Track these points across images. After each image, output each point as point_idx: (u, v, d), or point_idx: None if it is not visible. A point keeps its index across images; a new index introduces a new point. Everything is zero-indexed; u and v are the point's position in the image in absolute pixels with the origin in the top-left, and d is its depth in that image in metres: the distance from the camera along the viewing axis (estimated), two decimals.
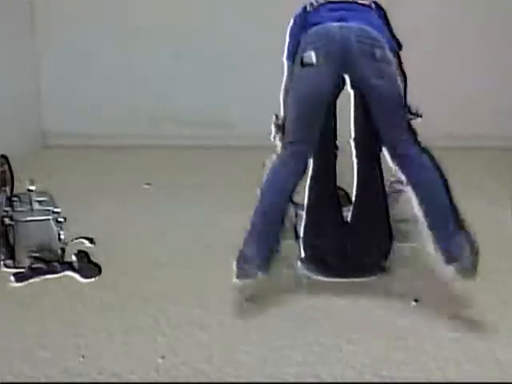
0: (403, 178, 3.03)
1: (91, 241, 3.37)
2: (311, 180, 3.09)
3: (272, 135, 3.16)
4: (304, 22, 3.14)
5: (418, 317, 2.76)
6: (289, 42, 3.18)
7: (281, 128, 3.11)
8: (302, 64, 3.04)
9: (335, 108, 3.11)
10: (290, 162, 3.05)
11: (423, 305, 2.83)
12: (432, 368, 2.40)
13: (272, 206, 3.03)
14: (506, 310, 2.79)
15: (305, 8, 3.18)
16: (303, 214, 3.09)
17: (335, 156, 3.14)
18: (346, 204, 3.22)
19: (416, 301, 2.85)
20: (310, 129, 3.06)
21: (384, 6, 3.23)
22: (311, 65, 3.02)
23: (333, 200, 3.10)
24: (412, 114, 3.07)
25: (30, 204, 3.20)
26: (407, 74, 3.29)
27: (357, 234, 3.08)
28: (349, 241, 3.08)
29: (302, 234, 3.09)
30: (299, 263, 3.11)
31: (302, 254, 3.09)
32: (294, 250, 3.24)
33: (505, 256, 3.29)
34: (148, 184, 4.35)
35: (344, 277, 3.04)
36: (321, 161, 3.09)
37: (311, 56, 3.01)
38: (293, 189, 3.03)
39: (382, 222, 3.10)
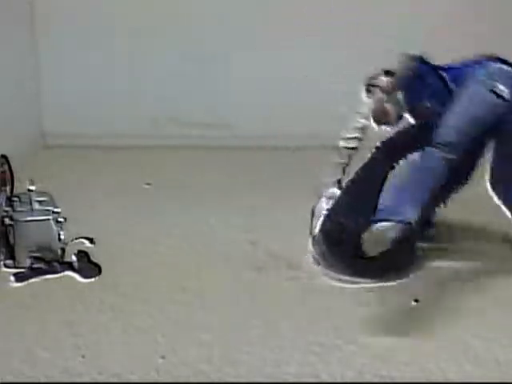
0: None
1: (91, 241, 3.37)
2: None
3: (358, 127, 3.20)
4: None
5: (417, 317, 2.76)
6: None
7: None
8: (495, 94, 3.07)
9: None
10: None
11: (423, 305, 2.83)
12: (432, 368, 2.40)
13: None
14: (506, 310, 2.79)
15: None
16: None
17: None
18: None
19: (416, 301, 2.85)
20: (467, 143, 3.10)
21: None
22: (502, 98, 3.07)
23: (374, 188, 3.10)
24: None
25: (30, 204, 3.20)
26: None
27: None
28: None
29: (329, 209, 3.09)
30: (310, 242, 3.11)
31: (317, 230, 3.08)
32: (295, 250, 3.25)
33: (505, 256, 3.29)
34: (148, 184, 4.35)
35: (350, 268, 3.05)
36: None
37: (505, 91, 3.07)
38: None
39: None
